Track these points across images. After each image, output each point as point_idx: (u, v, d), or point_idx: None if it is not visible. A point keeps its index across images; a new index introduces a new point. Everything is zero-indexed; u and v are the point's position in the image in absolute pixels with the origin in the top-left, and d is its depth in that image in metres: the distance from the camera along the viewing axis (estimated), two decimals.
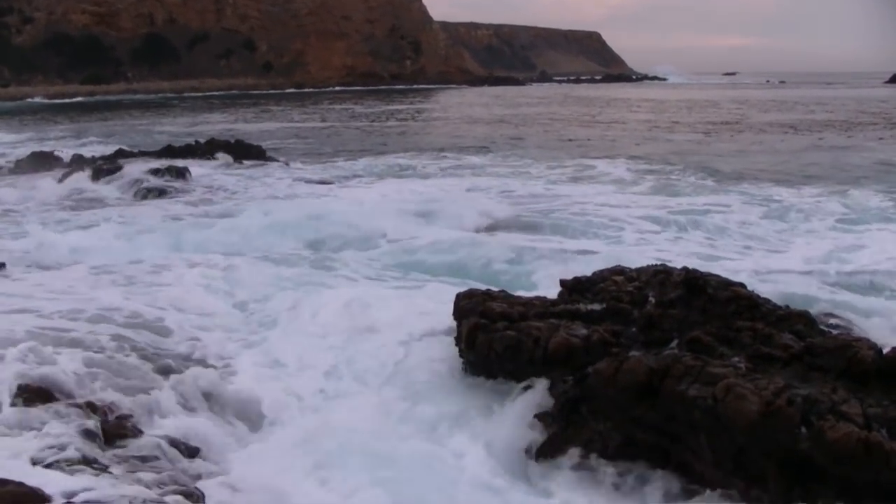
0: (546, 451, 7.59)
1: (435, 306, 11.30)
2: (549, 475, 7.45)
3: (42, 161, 31.05)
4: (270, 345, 10.69)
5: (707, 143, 40.86)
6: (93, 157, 32.15)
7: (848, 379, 6.96)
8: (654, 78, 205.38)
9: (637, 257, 13.23)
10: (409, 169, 30.56)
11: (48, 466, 6.38)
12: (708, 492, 6.82)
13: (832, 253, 15.45)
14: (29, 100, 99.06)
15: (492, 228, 18.47)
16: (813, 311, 9.54)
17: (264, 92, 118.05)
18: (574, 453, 7.43)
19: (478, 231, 17.98)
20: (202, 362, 9.81)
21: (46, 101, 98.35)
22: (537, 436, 7.79)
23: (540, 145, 39.17)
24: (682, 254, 15.07)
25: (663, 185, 24.61)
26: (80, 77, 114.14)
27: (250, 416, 8.70)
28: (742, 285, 9.09)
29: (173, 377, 9.04)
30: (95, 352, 9.41)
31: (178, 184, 24.88)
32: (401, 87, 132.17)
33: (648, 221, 18.76)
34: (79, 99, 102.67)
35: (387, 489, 7.01)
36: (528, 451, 7.75)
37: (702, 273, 9.22)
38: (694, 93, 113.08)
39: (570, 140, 42.42)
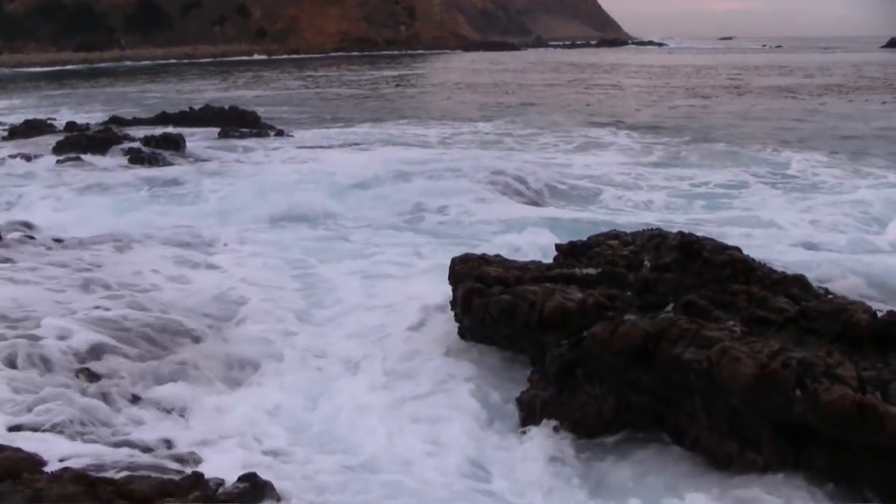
0: (541, 415, 7.62)
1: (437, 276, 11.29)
2: (544, 440, 7.49)
3: (36, 129, 30.94)
4: (273, 311, 10.78)
5: (709, 107, 40.67)
6: (87, 124, 32.05)
7: (843, 342, 6.97)
8: (650, 43, 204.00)
9: None
10: (409, 137, 30.20)
11: (45, 432, 6.40)
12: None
13: (859, 229, 15.19)
14: (20, 69, 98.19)
15: (500, 199, 18.34)
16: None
17: (258, 58, 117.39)
18: (568, 417, 7.47)
19: (485, 202, 17.87)
20: (209, 334, 9.81)
21: (39, 69, 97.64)
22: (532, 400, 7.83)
23: (541, 112, 38.81)
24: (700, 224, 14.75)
25: (672, 156, 24.29)
26: (73, 44, 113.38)
27: (248, 381, 8.76)
28: (738, 249, 9.08)
29: (181, 347, 9.08)
30: (103, 322, 9.40)
31: (172, 153, 24.78)
32: (396, 52, 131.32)
33: (664, 198, 18.57)
34: (72, 66, 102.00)
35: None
36: (521, 416, 7.79)
37: (697, 237, 9.21)
38: (691, 58, 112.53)
39: (570, 106, 42.16)
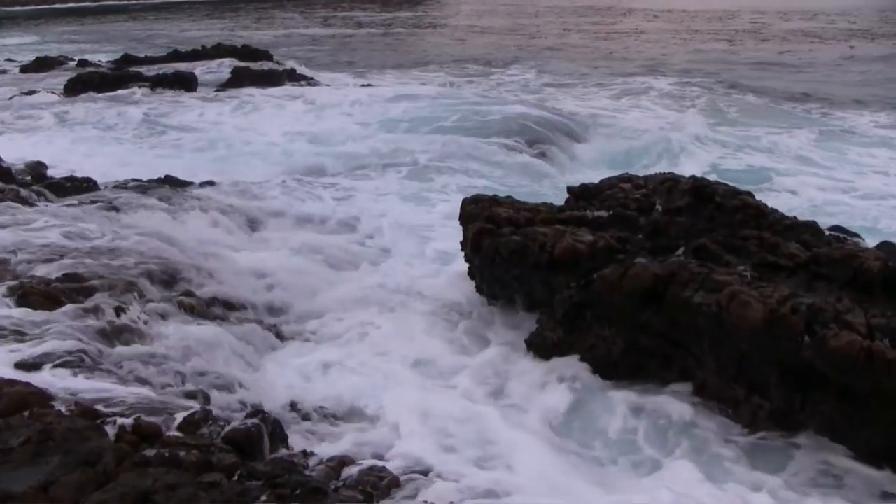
0: (550, 356, 7.67)
1: None
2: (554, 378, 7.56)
3: (47, 66, 30.86)
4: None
5: (736, 52, 39.77)
6: (99, 61, 31.92)
7: (853, 289, 6.92)
8: None
9: None
10: (444, 85, 28.82)
11: (55, 368, 6.43)
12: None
13: None
14: (28, 7, 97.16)
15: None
16: None
17: None
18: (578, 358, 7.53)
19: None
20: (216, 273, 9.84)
21: (48, 6, 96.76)
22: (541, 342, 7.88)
23: (569, 59, 37.68)
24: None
25: (715, 111, 23.19)
26: None
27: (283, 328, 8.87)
28: (750, 194, 9.00)
29: (202, 289, 9.13)
30: (120, 259, 9.39)
31: (185, 92, 24.67)
32: None
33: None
34: (84, 3, 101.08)
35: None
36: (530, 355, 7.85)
37: (710, 181, 9.13)
38: (710, 1, 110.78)
39: (596, 52, 41.14)
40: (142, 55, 33.65)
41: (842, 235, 9.08)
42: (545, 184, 15.03)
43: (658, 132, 19.60)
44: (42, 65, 31.07)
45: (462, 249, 9.36)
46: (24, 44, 46.22)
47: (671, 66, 33.83)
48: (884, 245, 8.46)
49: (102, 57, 35.12)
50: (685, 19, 69.85)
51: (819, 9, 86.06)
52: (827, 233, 8.60)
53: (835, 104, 24.30)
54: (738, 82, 28.64)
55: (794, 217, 8.72)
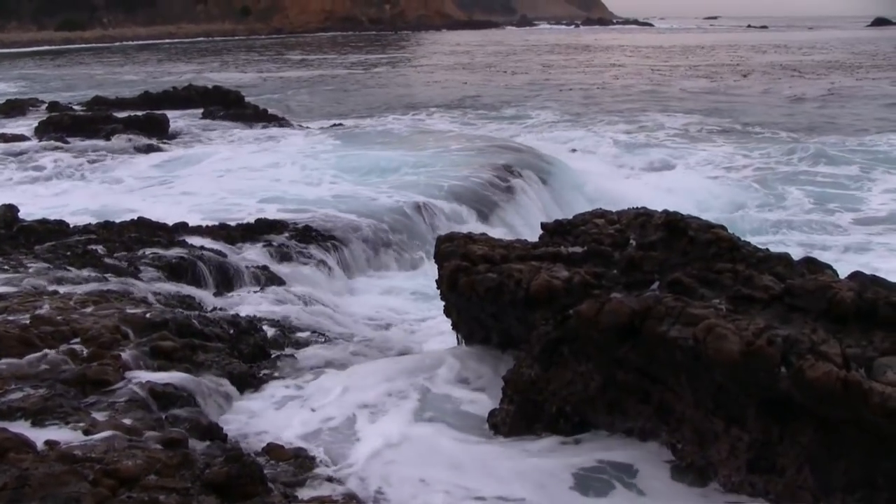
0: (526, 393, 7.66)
1: None
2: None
3: (18, 109, 30.74)
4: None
5: (723, 90, 40.12)
6: (69, 104, 31.87)
7: (827, 320, 6.96)
8: (635, 22, 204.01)
9: None
10: (447, 127, 28.64)
11: (31, 414, 6.37)
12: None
13: None
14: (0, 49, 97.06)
15: None
16: None
17: (242, 38, 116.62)
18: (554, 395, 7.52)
19: None
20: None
21: (21, 49, 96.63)
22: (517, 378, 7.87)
23: (561, 99, 37.54)
24: None
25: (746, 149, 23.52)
26: (55, 23, 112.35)
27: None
28: (723, 227, 9.08)
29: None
30: (97, 302, 9.34)
31: (157, 135, 24.68)
32: (380, 32, 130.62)
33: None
34: (54, 46, 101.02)
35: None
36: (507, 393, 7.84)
37: (682, 216, 9.21)
38: (681, 37, 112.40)
39: (586, 90, 41.23)
40: (113, 97, 33.66)
41: (813, 266, 9.17)
42: None
43: None
44: (12, 107, 30.95)
45: (438, 287, 9.39)
46: None
47: (681, 106, 33.74)
48: (856, 275, 8.52)
49: (73, 98, 35.10)
50: (662, 55, 71.00)
51: (791, 42, 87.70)
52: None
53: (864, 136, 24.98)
54: (740, 120, 28.70)
55: (767, 249, 8.80)
